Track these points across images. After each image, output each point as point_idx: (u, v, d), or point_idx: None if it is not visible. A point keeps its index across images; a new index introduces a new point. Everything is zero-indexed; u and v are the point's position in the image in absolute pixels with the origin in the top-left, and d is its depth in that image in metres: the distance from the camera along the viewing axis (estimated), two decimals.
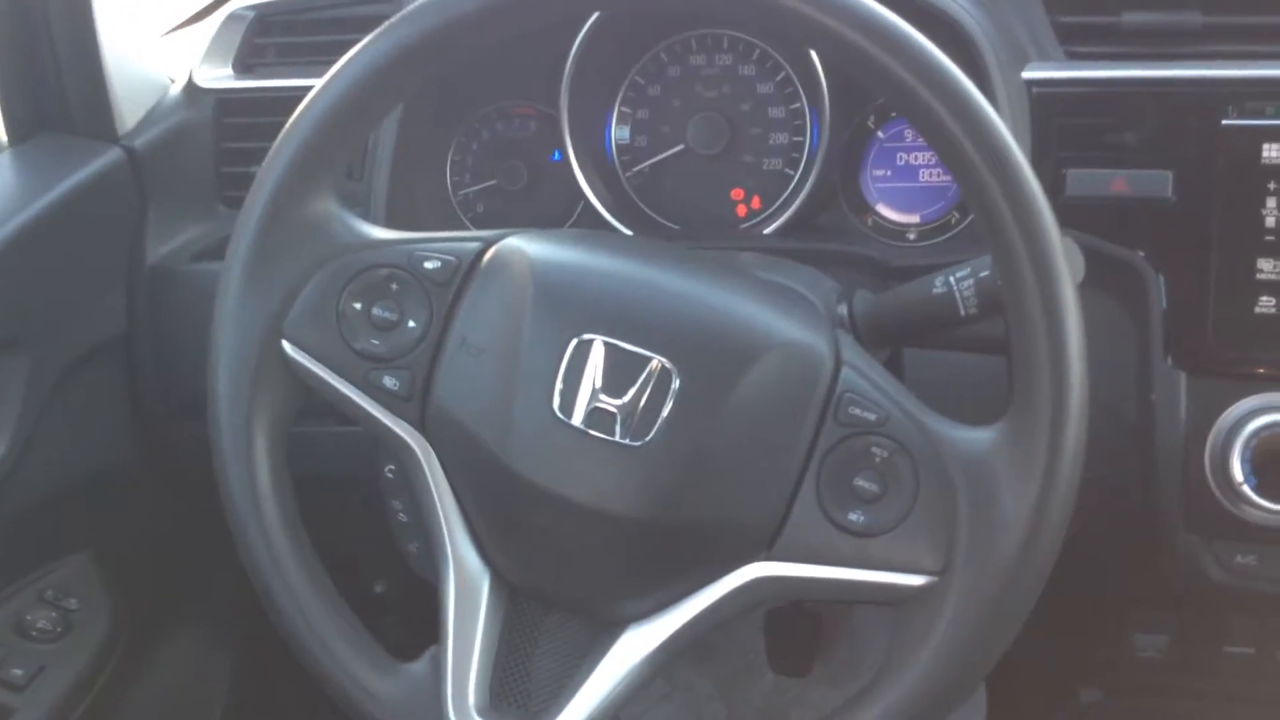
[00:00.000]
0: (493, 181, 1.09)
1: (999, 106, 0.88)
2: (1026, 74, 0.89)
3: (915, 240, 1.02)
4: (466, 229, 1.06)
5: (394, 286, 0.72)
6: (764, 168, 1.05)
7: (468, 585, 0.71)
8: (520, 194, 1.08)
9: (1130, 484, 0.89)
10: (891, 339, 0.83)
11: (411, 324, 0.72)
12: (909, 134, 1.02)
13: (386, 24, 0.71)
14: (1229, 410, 0.84)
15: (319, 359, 0.72)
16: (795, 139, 1.04)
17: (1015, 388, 0.65)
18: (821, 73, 0.98)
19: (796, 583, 0.66)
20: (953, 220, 1.01)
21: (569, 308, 0.69)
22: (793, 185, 1.03)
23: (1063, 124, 0.89)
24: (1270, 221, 0.85)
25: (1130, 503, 0.89)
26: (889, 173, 1.03)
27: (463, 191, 1.10)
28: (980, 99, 0.65)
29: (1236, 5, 0.89)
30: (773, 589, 0.67)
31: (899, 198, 1.03)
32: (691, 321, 0.68)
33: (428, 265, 0.72)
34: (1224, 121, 0.86)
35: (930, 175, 1.02)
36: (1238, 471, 0.82)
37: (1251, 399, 0.84)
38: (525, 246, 0.72)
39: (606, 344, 0.67)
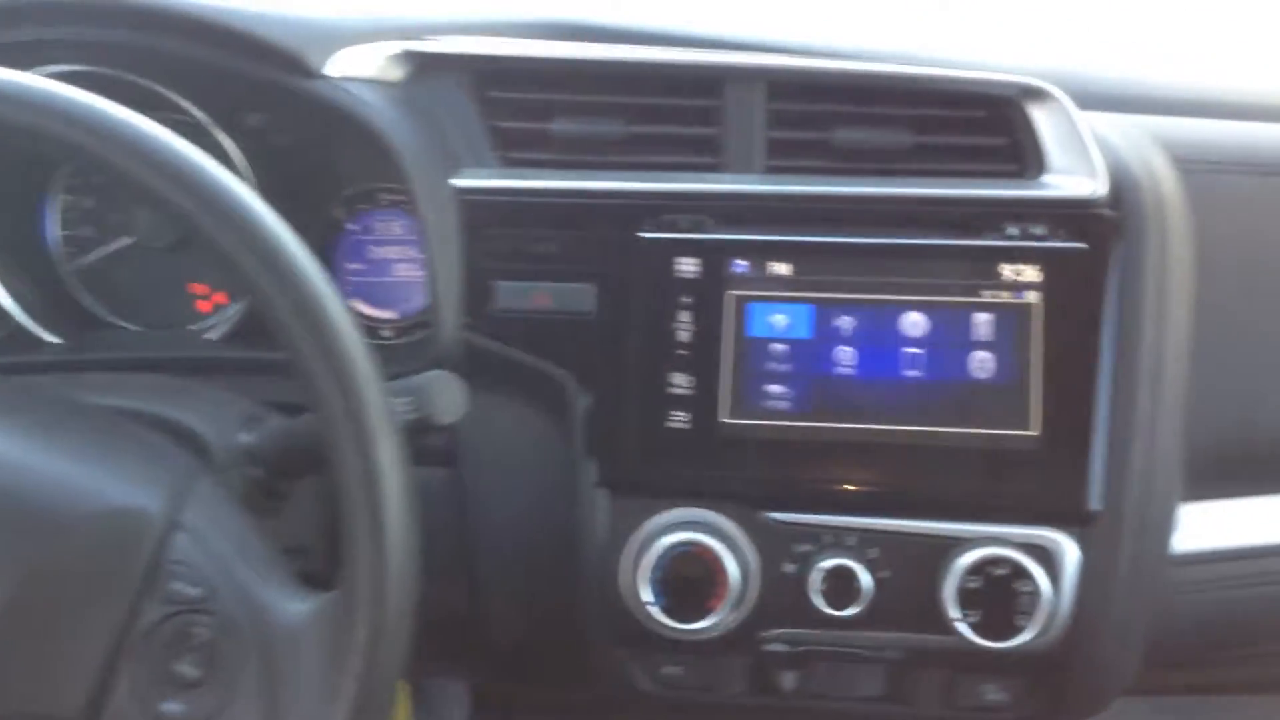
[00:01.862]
0: None
1: (423, 215, 0.85)
2: (456, 181, 0.87)
3: (393, 338, 0.98)
4: None
5: None
6: None
7: None
8: None
9: (564, 597, 0.88)
10: (312, 466, 0.79)
11: None
12: (380, 226, 0.99)
13: None
14: (641, 528, 0.84)
15: None
16: None
17: (342, 559, 0.62)
18: (248, 165, 0.93)
19: None
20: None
21: None
22: None
23: (492, 233, 0.87)
24: (683, 335, 0.85)
25: (565, 615, 0.88)
26: (362, 266, 0.99)
27: None
28: (289, 246, 0.61)
29: (657, 116, 0.88)
30: None
31: (374, 293, 0.99)
32: None
33: None
34: (640, 234, 0.86)
35: (406, 270, 0.99)
36: (646, 592, 0.82)
37: (664, 515, 0.84)
38: None
39: None
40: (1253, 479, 0.88)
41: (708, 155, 0.88)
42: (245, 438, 0.77)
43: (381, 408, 0.61)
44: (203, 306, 0.99)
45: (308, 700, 0.61)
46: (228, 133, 0.92)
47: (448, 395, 0.72)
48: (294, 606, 0.63)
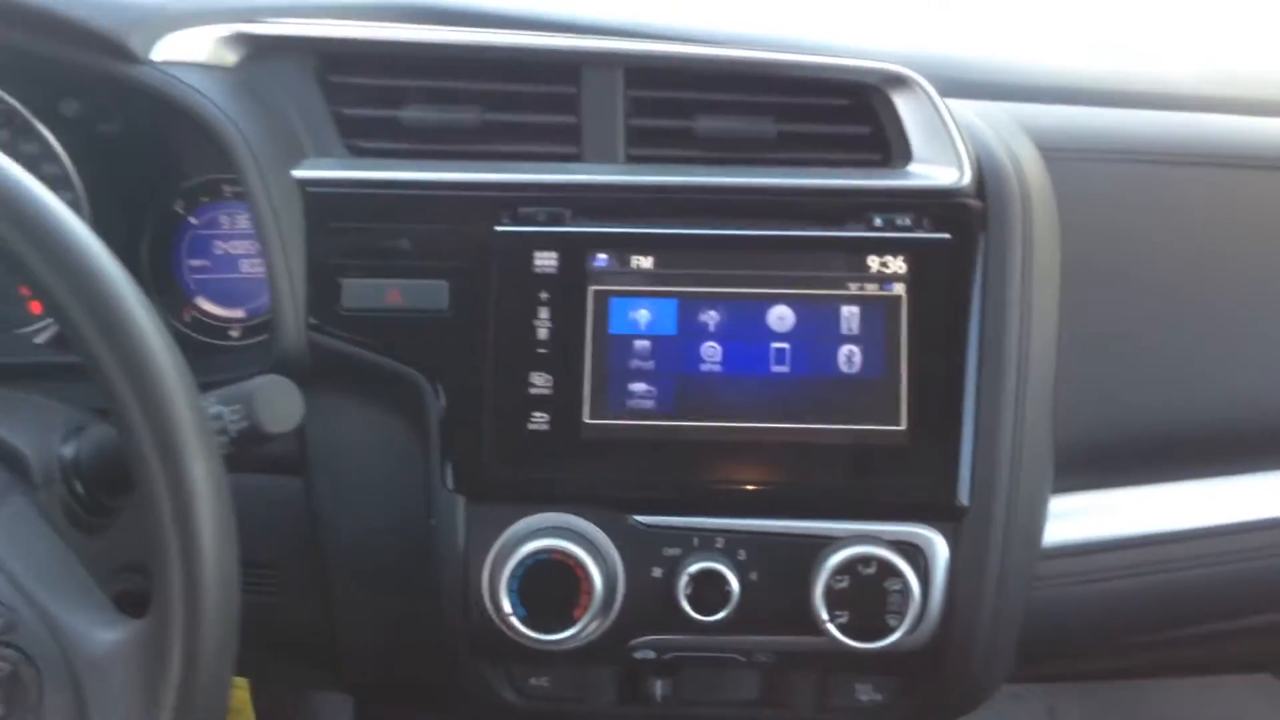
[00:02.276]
0: None
1: (261, 208, 0.80)
2: (298, 173, 0.82)
3: (240, 338, 0.93)
4: None
5: None
6: None
7: None
8: None
9: (422, 610, 0.84)
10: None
11: None
12: (224, 220, 0.93)
13: None
14: (502, 536, 0.80)
15: None
16: None
17: (153, 583, 0.57)
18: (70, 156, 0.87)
19: None
20: None
21: None
22: None
23: (339, 228, 0.82)
24: (542, 333, 0.81)
25: (424, 628, 0.84)
26: (207, 263, 0.93)
27: None
28: (80, 241, 0.56)
29: (512, 103, 0.84)
30: None
31: (220, 290, 0.93)
32: None
33: None
34: (497, 228, 0.82)
35: (254, 266, 0.93)
36: (505, 603, 0.78)
37: (524, 521, 0.80)
38: None
39: None
40: (1120, 470, 0.87)
41: (566, 145, 0.85)
42: (66, 450, 0.71)
43: (191, 420, 0.56)
44: (35, 307, 0.92)
45: None
46: (45, 122, 0.86)
47: (279, 402, 0.67)
48: (103, 635, 0.58)
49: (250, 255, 0.93)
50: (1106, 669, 1.20)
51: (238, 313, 0.93)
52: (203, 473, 0.56)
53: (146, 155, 0.90)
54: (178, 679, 0.56)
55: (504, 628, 0.79)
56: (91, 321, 0.55)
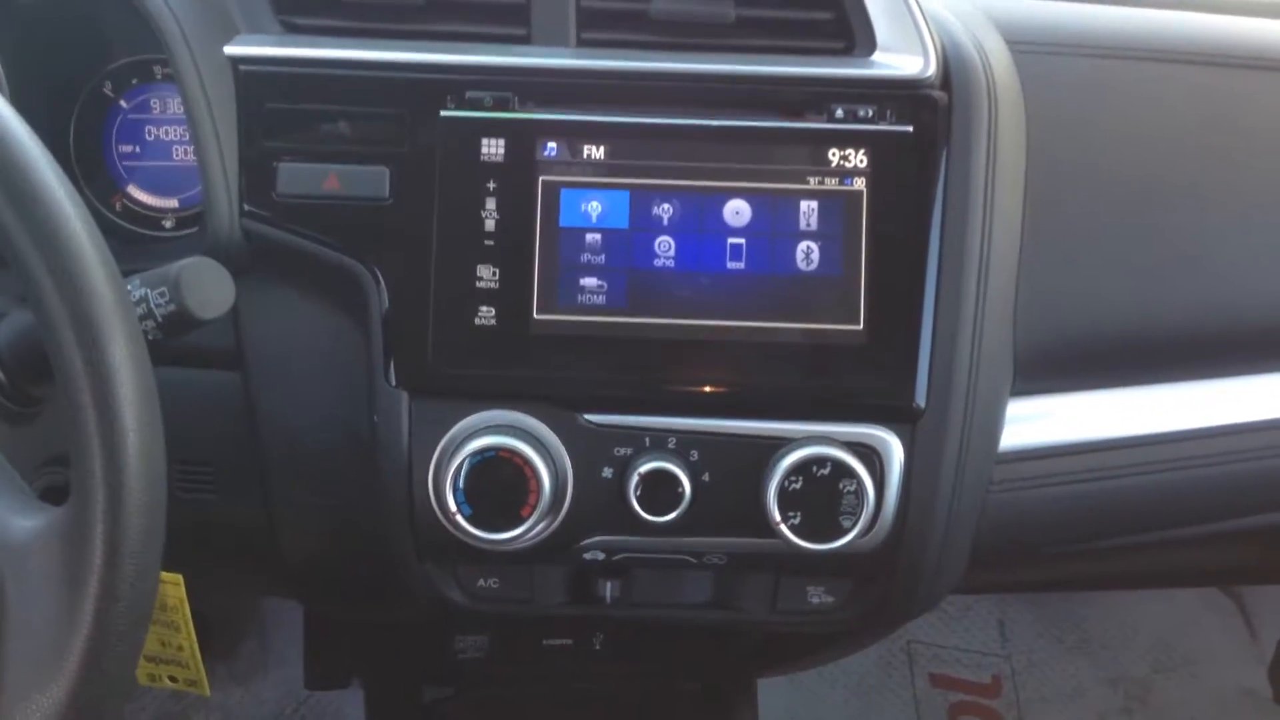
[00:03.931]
0: None
1: (188, 87, 0.75)
2: (230, 49, 0.77)
3: (173, 229, 0.89)
4: None
5: None
6: None
7: None
8: None
9: (366, 509, 0.82)
10: None
11: None
12: (156, 104, 0.88)
13: None
14: (448, 434, 0.77)
15: None
16: None
17: (72, 467, 0.54)
18: None
19: None
20: None
21: None
22: None
23: (274, 109, 0.78)
24: (489, 225, 0.78)
25: (368, 528, 0.82)
26: (137, 148, 0.89)
27: None
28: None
29: None
30: None
31: (152, 178, 0.89)
32: None
33: None
34: (442, 113, 0.78)
35: (187, 153, 0.89)
36: (451, 502, 0.76)
37: (471, 419, 0.77)
38: None
39: None
40: (1079, 374, 0.86)
41: (515, 26, 0.80)
42: None
43: (110, 297, 0.53)
44: None
45: (41, 626, 0.54)
46: None
47: (207, 285, 0.64)
48: (21, 522, 0.55)
49: (183, 142, 0.88)
50: (1056, 579, 1.21)
51: (170, 202, 0.89)
52: (123, 352, 0.53)
53: (71, 28, 0.85)
54: (100, 565, 0.53)
55: (450, 527, 0.77)
56: (2, 188, 0.52)
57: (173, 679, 0.85)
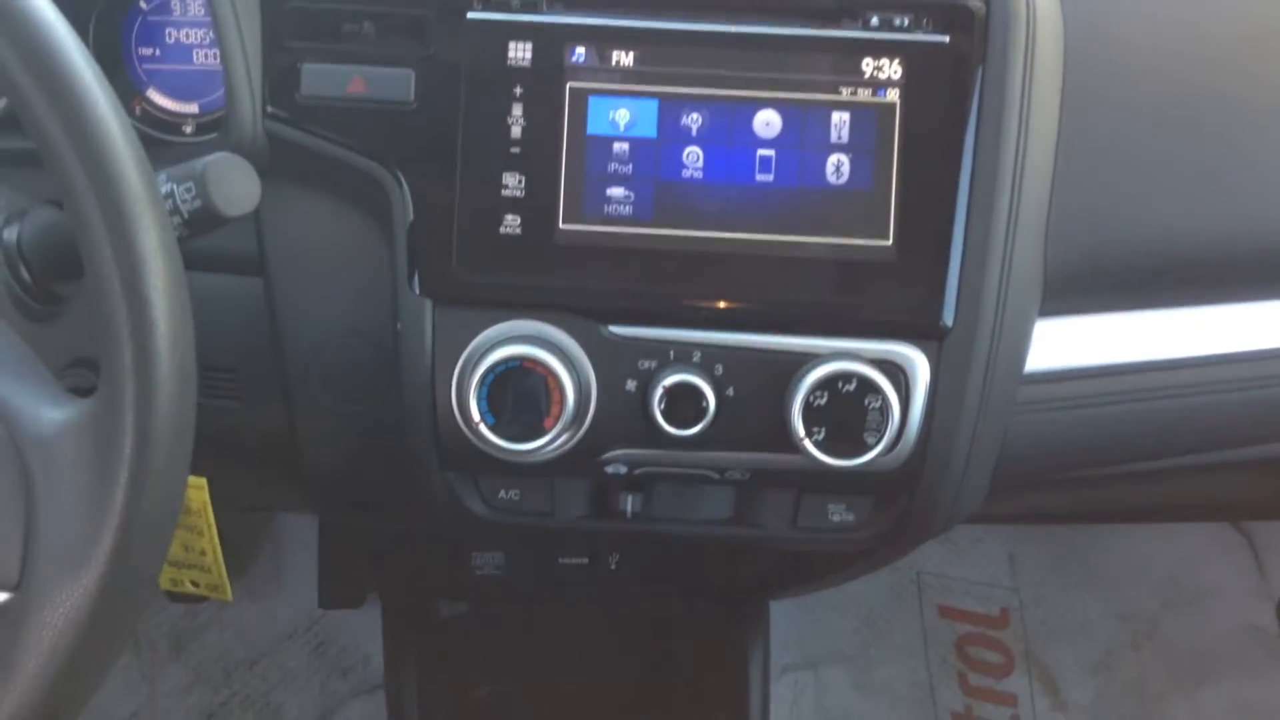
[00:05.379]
0: None
1: None
2: None
3: (193, 134, 0.87)
4: None
5: None
6: None
7: None
8: None
9: (388, 417, 0.81)
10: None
11: None
12: (178, 6, 0.87)
13: None
14: (471, 343, 0.77)
15: None
16: None
17: (101, 358, 0.54)
18: None
19: None
20: None
21: None
22: None
23: (298, 8, 0.76)
24: (515, 131, 0.76)
25: (389, 436, 0.82)
26: (157, 51, 0.87)
27: None
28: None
29: None
30: None
31: (172, 82, 0.87)
32: None
33: None
34: (470, 15, 0.76)
35: (207, 56, 0.87)
36: (474, 411, 0.76)
37: (494, 329, 0.77)
38: None
39: None
40: (1109, 296, 0.85)
41: None
42: (8, 234, 0.67)
43: (143, 190, 0.53)
44: None
45: (70, 516, 0.54)
46: None
47: (236, 181, 0.63)
48: (51, 413, 0.55)
49: (204, 45, 0.87)
50: (1071, 509, 1.21)
51: (191, 107, 0.87)
52: (155, 242, 0.53)
53: None
54: (130, 456, 0.53)
55: (472, 436, 0.77)
56: (34, 82, 0.51)
57: (194, 584, 0.86)
